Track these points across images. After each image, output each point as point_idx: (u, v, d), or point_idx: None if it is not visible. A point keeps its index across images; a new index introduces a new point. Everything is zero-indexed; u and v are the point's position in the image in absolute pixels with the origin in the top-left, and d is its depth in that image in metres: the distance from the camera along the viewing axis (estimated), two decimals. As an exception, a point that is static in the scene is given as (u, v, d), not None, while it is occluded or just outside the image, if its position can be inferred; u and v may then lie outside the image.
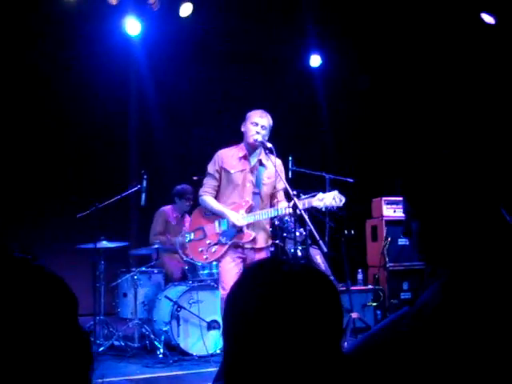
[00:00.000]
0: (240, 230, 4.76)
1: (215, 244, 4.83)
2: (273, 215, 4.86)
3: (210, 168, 4.95)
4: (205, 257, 4.87)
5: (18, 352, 0.94)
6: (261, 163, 4.91)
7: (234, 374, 1.14)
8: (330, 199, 4.56)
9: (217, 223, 4.86)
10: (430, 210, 1.50)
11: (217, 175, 4.90)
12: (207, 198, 4.91)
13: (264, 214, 4.77)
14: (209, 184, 4.94)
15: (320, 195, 4.59)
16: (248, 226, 4.79)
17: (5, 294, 0.97)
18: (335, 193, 4.62)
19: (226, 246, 4.79)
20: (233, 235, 4.79)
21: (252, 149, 4.87)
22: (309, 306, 1.10)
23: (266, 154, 4.81)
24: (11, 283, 0.99)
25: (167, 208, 7.04)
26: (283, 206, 4.72)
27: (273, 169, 4.87)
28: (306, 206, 4.56)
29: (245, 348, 1.11)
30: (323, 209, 4.62)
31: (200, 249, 4.89)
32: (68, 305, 1.03)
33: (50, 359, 0.96)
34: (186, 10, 7.47)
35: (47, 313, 0.98)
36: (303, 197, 4.65)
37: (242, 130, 4.90)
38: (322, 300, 1.13)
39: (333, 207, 4.61)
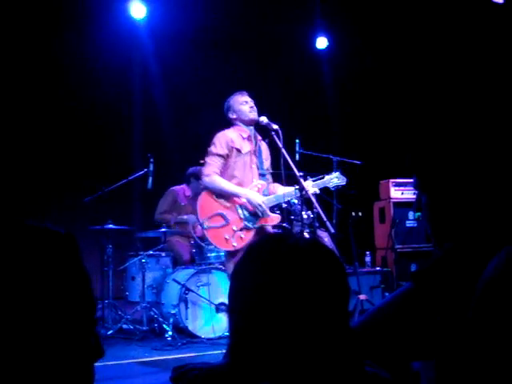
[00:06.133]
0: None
1: (241, 229, 4.56)
2: (295, 196, 4.59)
3: (218, 149, 4.62)
4: (234, 244, 4.52)
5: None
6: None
7: (239, 350, 1.13)
8: (336, 180, 4.79)
9: (239, 209, 4.58)
10: (438, 182, 1.48)
11: (225, 156, 4.62)
12: (217, 178, 4.57)
13: (286, 196, 4.59)
14: (215, 164, 4.60)
15: (332, 175, 4.80)
16: (272, 207, 4.65)
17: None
18: (337, 174, 4.83)
19: (254, 230, 4.59)
20: (257, 218, 4.60)
21: (250, 129, 4.72)
22: (314, 279, 1.08)
23: (256, 135, 4.75)
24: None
25: (178, 188, 6.94)
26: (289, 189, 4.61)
27: (266, 150, 4.82)
28: (321, 186, 4.70)
29: (250, 324, 1.10)
30: (331, 188, 4.83)
31: (226, 236, 4.53)
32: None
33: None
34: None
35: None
36: (312, 179, 4.66)
37: (232, 116, 4.72)
38: (327, 274, 1.10)
39: (338, 186, 4.85)
